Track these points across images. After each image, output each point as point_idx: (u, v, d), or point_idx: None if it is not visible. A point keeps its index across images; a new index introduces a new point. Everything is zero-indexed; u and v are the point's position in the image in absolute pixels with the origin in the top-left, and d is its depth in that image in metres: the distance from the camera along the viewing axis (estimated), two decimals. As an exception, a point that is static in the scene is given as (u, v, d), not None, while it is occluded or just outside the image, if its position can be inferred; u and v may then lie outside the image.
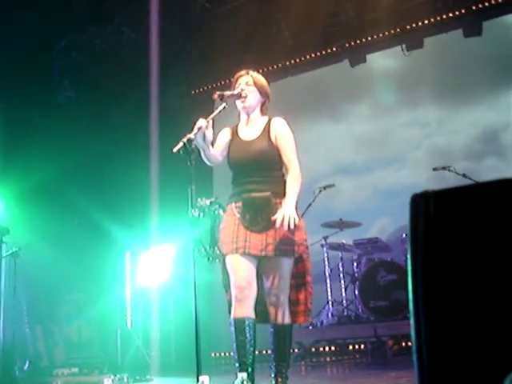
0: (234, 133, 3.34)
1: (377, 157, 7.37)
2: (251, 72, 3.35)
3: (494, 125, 6.88)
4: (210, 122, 3.06)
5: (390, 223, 7.07)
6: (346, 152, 7.61)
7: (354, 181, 7.46)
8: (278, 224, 2.95)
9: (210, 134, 3.05)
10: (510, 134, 6.76)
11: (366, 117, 7.61)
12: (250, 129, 3.30)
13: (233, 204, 3.17)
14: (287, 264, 3.09)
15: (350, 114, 7.76)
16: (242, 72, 3.35)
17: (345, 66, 7.58)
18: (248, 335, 2.97)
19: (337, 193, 6.61)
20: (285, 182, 3.16)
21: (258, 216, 3.05)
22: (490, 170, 6.61)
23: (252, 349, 3.00)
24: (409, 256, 1.16)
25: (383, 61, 7.69)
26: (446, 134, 7.16)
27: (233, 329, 3.01)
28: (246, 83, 3.27)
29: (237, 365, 2.99)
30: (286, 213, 2.96)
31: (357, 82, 7.57)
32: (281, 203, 3.09)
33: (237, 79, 3.33)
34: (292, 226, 2.94)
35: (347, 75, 7.59)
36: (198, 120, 3.02)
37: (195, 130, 2.97)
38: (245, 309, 2.99)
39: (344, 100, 7.77)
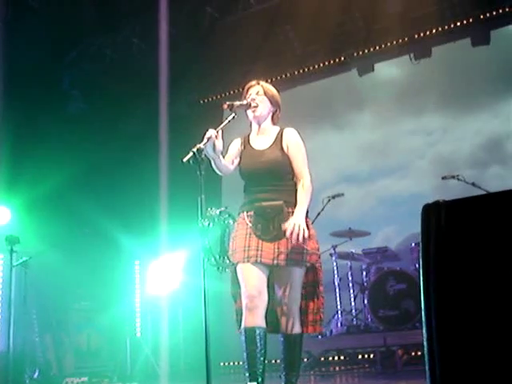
0: (246, 142, 3.35)
1: (382, 165, 7.36)
2: (261, 82, 3.37)
3: (498, 133, 6.86)
4: (220, 132, 3.06)
5: (396, 232, 7.05)
6: (351, 160, 7.61)
7: (359, 189, 7.45)
8: (287, 234, 2.97)
9: (219, 144, 3.05)
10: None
11: (372, 125, 7.60)
12: (262, 138, 3.31)
13: (245, 213, 3.18)
14: (299, 273, 3.09)
15: (356, 122, 7.75)
16: (253, 82, 3.36)
17: (353, 75, 7.59)
18: (258, 344, 2.95)
19: (342, 202, 6.59)
20: (296, 192, 3.16)
21: (270, 225, 3.06)
22: (495, 179, 6.58)
23: (262, 358, 2.97)
24: (421, 265, 1.17)
25: (391, 70, 7.70)
26: (451, 142, 7.15)
27: (243, 338, 2.99)
28: (257, 93, 3.29)
29: (247, 374, 2.98)
30: (296, 223, 2.98)
31: (364, 90, 7.57)
32: (293, 212, 3.09)
33: (247, 89, 3.34)
34: (301, 238, 2.97)
35: (355, 84, 7.60)
36: (207, 130, 3.03)
37: (205, 140, 2.98)
38: (255, 318, 2.98)
39: (351, 109, 7.78)
